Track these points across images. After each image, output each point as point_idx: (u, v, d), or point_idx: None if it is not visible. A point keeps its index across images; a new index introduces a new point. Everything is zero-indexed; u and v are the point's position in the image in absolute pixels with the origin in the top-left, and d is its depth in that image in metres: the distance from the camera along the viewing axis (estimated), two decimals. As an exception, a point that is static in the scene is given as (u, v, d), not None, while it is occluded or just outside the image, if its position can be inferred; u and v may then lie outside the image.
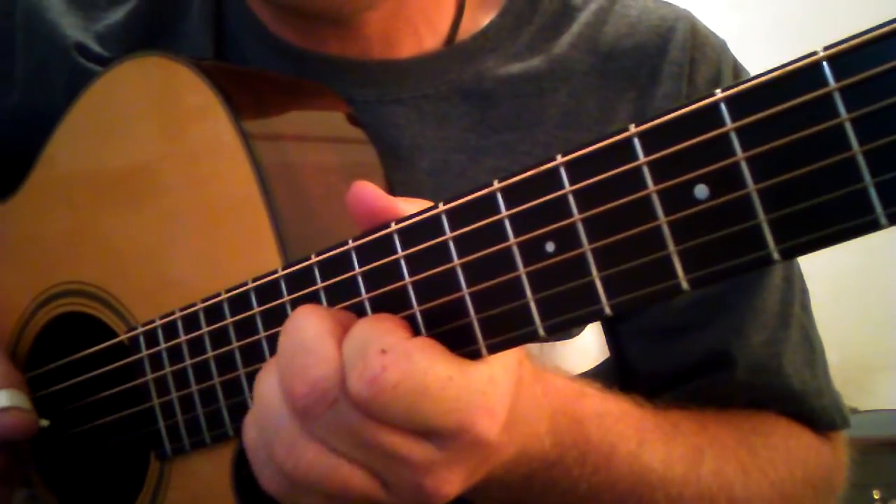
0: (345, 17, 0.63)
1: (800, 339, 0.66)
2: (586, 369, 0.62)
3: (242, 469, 0.52)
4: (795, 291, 0.67)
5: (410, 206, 0.42)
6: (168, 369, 0.53)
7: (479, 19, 0.67)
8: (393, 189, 0.58)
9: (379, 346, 0.38)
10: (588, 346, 0.63)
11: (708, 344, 0.64)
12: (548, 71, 0.65)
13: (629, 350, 0.65)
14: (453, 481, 0.40)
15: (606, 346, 0.64)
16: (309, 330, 0.40)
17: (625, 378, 0.65)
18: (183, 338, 0.52)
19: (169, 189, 0.57)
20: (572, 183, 0.36)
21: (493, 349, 0.39)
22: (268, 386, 0.41)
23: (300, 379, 0.39)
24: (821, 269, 0.80)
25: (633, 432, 0.54)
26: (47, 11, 0.70)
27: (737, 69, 0.68)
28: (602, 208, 0.35)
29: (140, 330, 0.55)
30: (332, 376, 0.38)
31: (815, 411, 0.66)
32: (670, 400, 0.60)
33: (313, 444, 0.40)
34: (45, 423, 0.60)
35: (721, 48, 0.68)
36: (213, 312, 0.50)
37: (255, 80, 0.61)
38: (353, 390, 0.37)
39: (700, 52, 0.66)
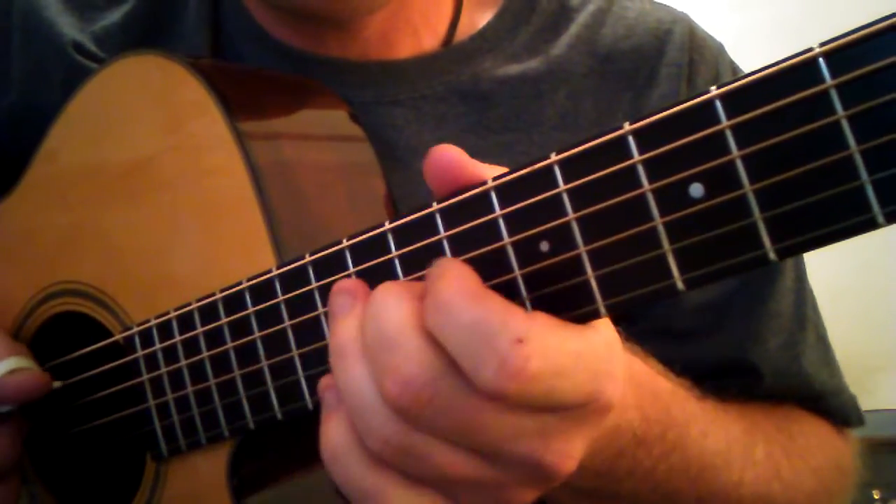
0: (343, 20, 0.63)
1: (815, 339, 0.67)
2: None
3: (238, 469, 0.52)
4: (807, 292, 0.67)
5: (490, 170, 0.39)
6: (163, 370, 0.53)
7: (476, 19, 0.67)
8: (391, 189, 0.58)
9: (512, 335, 0.34)
10: None
11: (724, 349, 0.64)
12: (546, 72, 0.65)
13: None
14: (574, 453, 0.38)
15: None
16: (391, 319, 0.37)
17: None
18: (178, 338, 0.52)
19: (164, 188, 0.57)
20: (566, 182, 0.35)
21: None
22: (356, 377, 0.38)
23: (391, 378, 0.36)
24: (821, 269, 0.80)
25: (700, 413, 0.54)
26: (44, 10, 0.70)
27: (734, 72, 0.68)
28: (596, 207, 0.35)
29: (135, 330, 0.55)
30: (421, 374, 0.36)
31: (833, 409, 0.67)
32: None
33: (418, 436, 0.37)
34: (58, 384, 0.60)
35: (718, 50, 0.68)
36: (208, 312, 0.50)
37: (252, 78, 0.61)
38: (489, 385, 0.34)
39: (698, 53, 0.66)
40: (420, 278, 0.40)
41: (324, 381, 0.41)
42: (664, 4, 0.69)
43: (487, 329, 0.35)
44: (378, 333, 0.37)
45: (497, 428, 0.36)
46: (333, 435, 0.40)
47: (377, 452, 0.38)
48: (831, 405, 0.66)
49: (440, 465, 0.37)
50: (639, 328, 0.64)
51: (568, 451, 0.37)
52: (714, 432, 0.54)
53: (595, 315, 0.35)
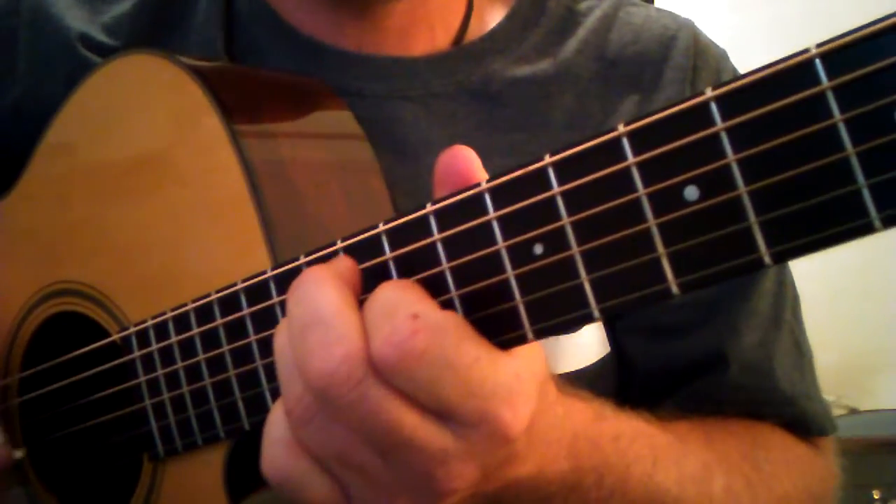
0: (369, 5, 0.63)
1: (790, 343, 0.67)
2: (586, 364, 0.62)
3: (235, 470, 0.52)
4: (787, 297, 0.67)
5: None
6: (160, 370, 0.53)
7: (486, 20, 0.68)
8: (394, 185, 0.58)
9: (410, 310, 0.36)
10: (588, 342, 0.63)
11: (703, 344, 0.64)
12: (554, 75, 0.66)
13: (626, 347, 0.65)
14: (465, 476, 0.38)
15: (606, 342, 0.64)
16: (326, 303, 0.37)
17: (624, 375, 0.65)
18: (174, 339, 0.52)
19: (160, 188, 0.57)
20: (561, 184, 0.35)
21: None
22: (282, 360, 0.39)
23: (319, 358, 0.36)
24: (820, 268, 0.80)
25: (647, 452, 0.53)
26: (52, 6, 0.70)
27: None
28: (591, 210, 0.34)
29: (132, 330, 0.55)
30: (356, 355, 0.36)
31: (807, 415, 0.66)
32: (673, 407, 0.60)
33: (334, 425, 0.37)
34: (20, 454, 0.59)
35: (721, 57, 0.70)
36: (204, 313, 0.50)
37: (250, 79, 0.61)
38: (376, 353, 0.35)
39: (702, 59, 0.67)
40: (413, 280, 0.39)
41: None
42: (669, 11, 0.71)
43: (395, 303, 0.36)
44: (307, 314, 0.37)
45: (404, 428, 0.36)
46: (272, 416, 0.40)
47: (309, 448, 0.39)
48: (805, 410, 0.66)
49: (340, 450, 0.38)
50: (623, 324, 0.64)
51: (459, 473, 0.38)
52: (664, 470, 0.53)
53: (590, 318, 0.35)
